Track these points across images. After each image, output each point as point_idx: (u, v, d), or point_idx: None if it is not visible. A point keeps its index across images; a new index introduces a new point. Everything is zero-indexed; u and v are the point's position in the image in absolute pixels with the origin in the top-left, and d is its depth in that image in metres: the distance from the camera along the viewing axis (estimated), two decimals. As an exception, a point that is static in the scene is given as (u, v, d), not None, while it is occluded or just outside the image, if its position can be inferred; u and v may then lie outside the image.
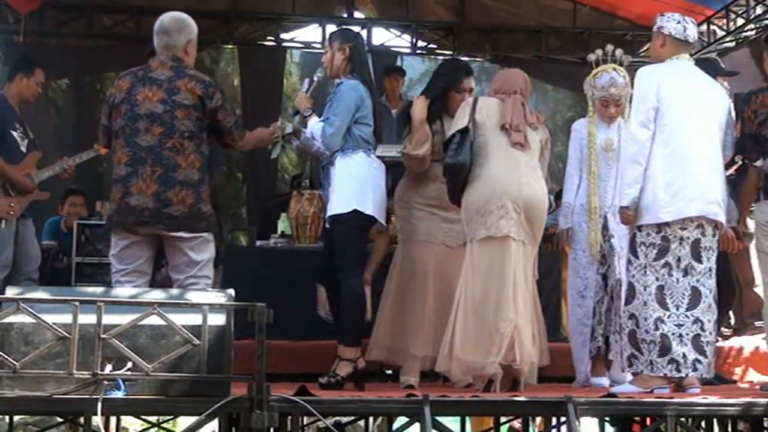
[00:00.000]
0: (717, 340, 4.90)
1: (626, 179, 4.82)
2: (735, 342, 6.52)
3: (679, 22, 4.99)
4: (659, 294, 4.71)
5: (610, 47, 5.57)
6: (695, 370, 4.66)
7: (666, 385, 4.68)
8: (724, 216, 4.81)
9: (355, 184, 4.93)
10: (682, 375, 4.66)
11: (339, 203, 4.93)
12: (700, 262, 4.74)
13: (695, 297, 4.71)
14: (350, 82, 5.01)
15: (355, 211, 4.91)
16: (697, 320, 4.69)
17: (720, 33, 9.95)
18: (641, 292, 4.75)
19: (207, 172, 4.66)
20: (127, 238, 4.59)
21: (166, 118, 4.53)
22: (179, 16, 4.79)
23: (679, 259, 4.72)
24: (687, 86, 4.86)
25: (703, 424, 5.01)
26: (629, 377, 4.93)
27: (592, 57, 5.58)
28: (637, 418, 5.50)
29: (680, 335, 4.67)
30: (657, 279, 4.72)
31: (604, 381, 5.37)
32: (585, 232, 5.44)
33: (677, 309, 4.69)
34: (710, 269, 4.76)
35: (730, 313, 6.74)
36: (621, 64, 5.52)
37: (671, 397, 4.30)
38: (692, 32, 5.01)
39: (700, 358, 4.67)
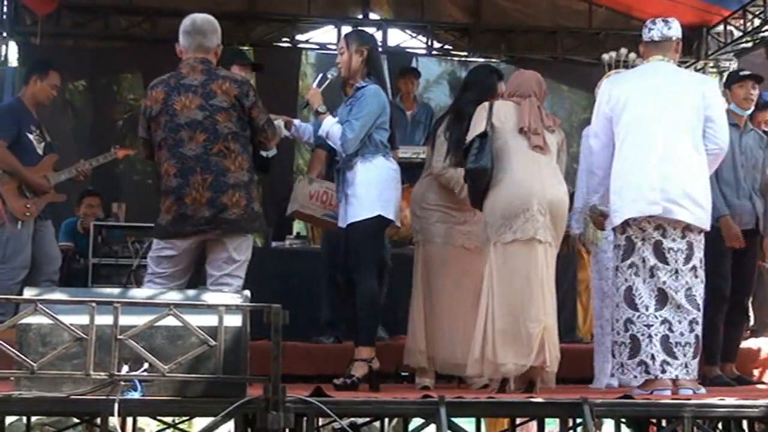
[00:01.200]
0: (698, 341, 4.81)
1: (587, 189, 5.11)
2: (753, 343, 6.50)
3: (646, 26, 4.99)
4: (628, 295, 4.72)
5: (624, 51, 5.57)
6: (663, 371, 4.62)
7: (665, 387, 4.63)
8: (693, 215, 4.70)
9: (378, 190, 4.93)
10: (651, 377, 4.63)
11: (363, 208, 4.92)
12: (666, 263, 4.69)
13: (662, 298, 4.68)
14: (372, 87, 5.00)
15: (379, 216, 4.92)
16: (665, 321, 4.66)
17: (737, 33, 9.91)
18: (614, 294, 4.81)
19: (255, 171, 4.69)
20: (172, 247, 4.60)
21: (207, 124, 4.54)
22: (211, 18, 4.78)
23: (643, 260, 4.71)
24: (650, 86, 4.83)
25: (720, 425, 4.98)
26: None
27: (606, 57, 5.59)
28: (653, 420, 5.48)
29: (649, 335, 4.64)
30: (626, 280, 4.74)
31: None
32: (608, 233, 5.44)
33: (646, 309, 4.68)
34: (677, 270, 4.70)
35: (750, 313, 6.70)
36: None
37: (688, 399, 4.28)
38: (658, 32, 4.93)
39: (668, 359, 4.63)
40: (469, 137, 4.93)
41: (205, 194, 4.50)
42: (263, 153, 5.01)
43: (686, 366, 4.66)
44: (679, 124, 4.77)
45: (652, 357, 4.62)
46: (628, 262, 4.74)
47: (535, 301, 4.70)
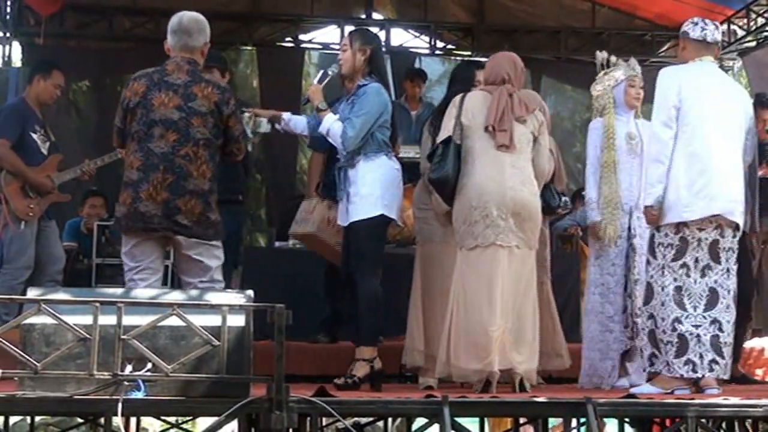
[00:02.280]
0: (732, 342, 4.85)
1: (650, 179, 4.85)
2: (756, 343, 6.49)
3: (697, 24, 5.00)
4: (677, 294, 4.70)
5: (613, 58, 5.63)
6: (711, 370, 4.65)
7: (686, 386, 4.66)
8: (742, 218, 4.80)
9: (381, 189, 4.94)
10: (699, 375, 4.64)
11: (366, 207, 4.93)
12: (719, 263, 4.73)
13: (713, 298, 4.70)
14: (374, 85, 5.00)
15: (382, 215, 4.92)
16: (714, 321, 4.68)
17: (740, 33, 9.90)
18: (659, 293, 4.75)
19: (216, 181, 4.66)
20: (137, 236, 4.62)
21: (181, 125, 4.53)
22: (198, 17, 4.77)
23: (696, 260, 4.71)
24: (709, 88, 4.85)
25: (724, 425, 4.98)
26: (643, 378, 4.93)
27: (600, 56, 5.62)
28: (657, 420, 5.48)
29: (698, 335, 4.66)
30: (675, 279, 4.72)
31: (625, 382, 5.35)
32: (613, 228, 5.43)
33: (695, 310, 4.68)
34: (728, 270, 4.76)
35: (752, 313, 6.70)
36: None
37: (692, 398, 4.28)
38: (711, 33, 4.98)
39: (717, 358, 4.66)
40: (439, 138, 4.93)
41: (162, 194, 4.50)
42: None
43: (726, 366, 4.72)
44: (732, 128, 4.85)
45: (701, 356, 4.64)
46: (680, 262, 4.72)
47: (495, 305, 4.69)
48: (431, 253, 5.25)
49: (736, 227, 4.79)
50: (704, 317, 4.68)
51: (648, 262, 4.86)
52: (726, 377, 4.77)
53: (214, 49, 5.18)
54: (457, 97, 5.01)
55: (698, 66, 4.92)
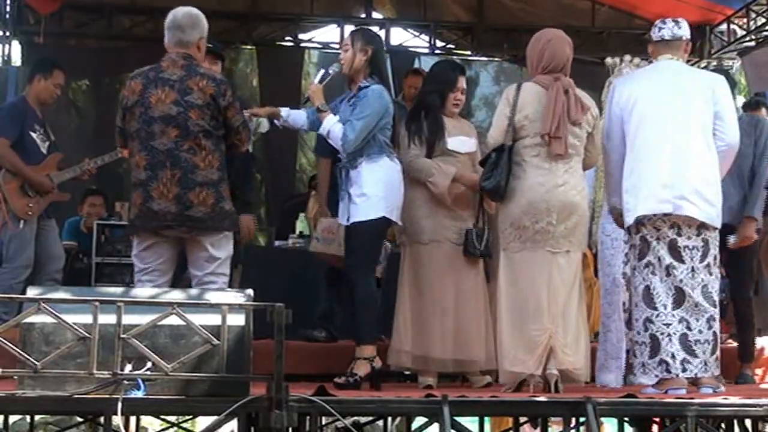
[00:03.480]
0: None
1: (607, 190, 5.06)
2: (757, 342, 6.48)
3: (656, 25, 5.00)
4: (646, 294, 4.71)
5: (627, 57, 5.60)
6: (684, 370, 4.62)
7: (681, 386, 4.64)
8: (703, 212, 4.69)
9: (384, 191, 4.92)
10: (672, 375, 4.62)
11: (369, 209, 4.91)
12: (682, 262, 4.69)
13: (679, 297, 4.67)
14: (376, 87, 4.98)
15: (383, 217, 4.92)
16: (682, 319, 4.66)
17: (740, 32, 9.91)
18: (633, 294, 4.80)
19: (227, 170, 4.65)
20: (148, 239, 4.61)
21: (180, 120, 4.52)
22: (192, 11, 4.76)
23: (659, 259, 4.70)
24: (660, 84, 4.83)
25: (723, 425, 4.98)
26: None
27: (609, 61, 5.61)
28: (656, 419, 5.48)
29: (669, 335, 4.64)
30: (644, 279, 4.74)
31: (632, 380, 5.34)
32: (608, 231, 5.43)
33: (664, 308, 4.67)
34: (693, 269, 4.69)
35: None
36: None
37: (692, 398, 4.28)
38: (669, 31, 4.94)
39: (689, 357, 4.63)
40: (491, 137, 4.85)
41: (173, 189, 4.49)
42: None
43: (705, 364, 4.66)
44: (689, 122, 4.76)
45: (672, 356, 4.62)
46: (645, 261, 4.73)
47: (541, 309, 4.67)
48: (420, 253, 5.21)
49: (702, 224, 4.70)
50: (673, 315, 4.66)
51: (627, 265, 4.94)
52: (707, 375, 4.69)
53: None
54: (511, 91, 4.87)
55: (651, 67, 4.97)
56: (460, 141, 5.25)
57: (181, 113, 4.52)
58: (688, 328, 4.65)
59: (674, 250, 4.69)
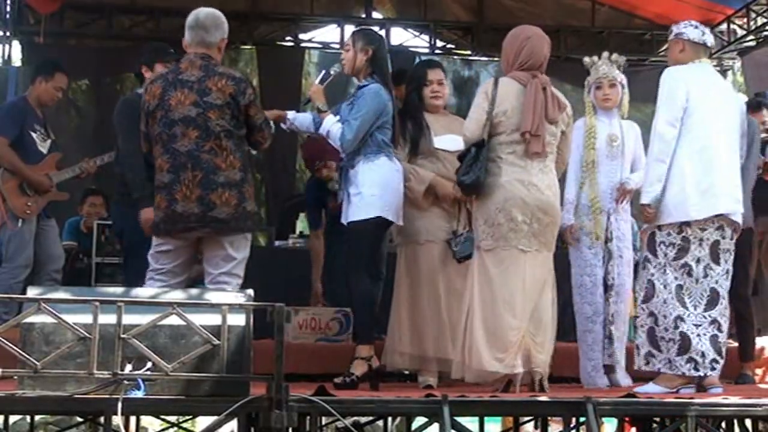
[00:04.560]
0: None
1: (650, 177, 4.82)
2: (757, 343, 6.47)
3: (696, 27, 5.01)
4: (679, 293, 4.71)
5: (605, 54, 5.62)
6: (713, 369, 4.66)
7: (690, 385, 4.66)
8: (743, 218, 4.87)
9: (379, 190, 4.92)
10: (701, 374, 4.65)
11: (363, 208, 4.91)
12: (719, 263, 4.75)
13: (713, 298, 4.72)
14: (373, 86, 4.98)
15: (379, 217, 4.91)
16: (714, 321, 4.70)
17: (740, 32, 9.91)
18: (661, 291, 4.75)
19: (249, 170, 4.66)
20: (168, 243, 4.63)
21: (200, 121, 4.53)
22: (216, 13, 4.76)
23: (698, 260, 4.72)
24: (710, 88, 4.88)
25: (724, 425, 4.98)
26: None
27: (587, 60, 5.63)
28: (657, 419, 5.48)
29: (698, 335, 4.67)
30: (676, 278, 4.73)
31: (606, 381, 5.37)
32: (588, 229, 5.42)
33: (695, 309, 4.70)
34: (728, 271, 4.79)
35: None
36: (620, 67, 5.61)
37: (692, 398, 4.28)
38: (710, 37, 5.04)
39: (718, 358, 4.68)
40: (468, 131, 4.84)
41: (195, 191, 4.50)
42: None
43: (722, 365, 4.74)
44: (731, 129, 4.89)
45: (702, 354, 4.64)
46: (682, 261, 4.73)
47: (515, 307, 4.67)
48: (416, 253, 5.23)
49: (735, 228, 4.83)
50: (704, 317, 4.69)
51: (647, 260, 4.85)
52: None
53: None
54: (489, 86, 4.85)
55: (700, 67, 4.95)
56: (449, 140, 5.28)
57: (200, 114, 4.52)
58: (719, 329, 4.71)
59: (714, 252, 4.75)
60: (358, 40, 5.07)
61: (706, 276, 4.72)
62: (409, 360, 5.18)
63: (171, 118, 4.55)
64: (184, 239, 4.61)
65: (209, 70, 4.60)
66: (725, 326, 4.74)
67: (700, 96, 4.80)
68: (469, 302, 4.78)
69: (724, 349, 4.72)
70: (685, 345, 4.65)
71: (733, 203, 4.77)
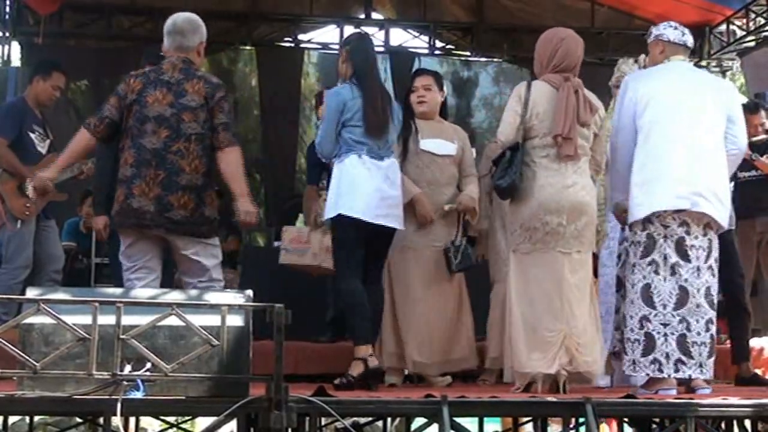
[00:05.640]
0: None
1: (611, 185, 5.01)
2: (756, 342, 6.48)
3: (676, 28, 4.99)
4: (645, 292, 4.68)
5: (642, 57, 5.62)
6: (677, 371, 4.60)
7: (672, 387, 4.63)
8: (717, 211, 4.70)
9: (339, 189, 4.86)
10: (664, 375, 4.61)
11: (328, 209, 4.93)
12: (688, 261, 4.67)
13: (682, 296, 4.64)
14: (333, 89, 5.03)
15: (339, 215, 4.83)
16: (683, 320, 4.63)
17: (740, 33, 9.91)
18: (629, 291, 4.76)
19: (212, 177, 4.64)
20: (131, 236, 4.64)
21: (172, 121, 4.55)
22: (192, 17, 4.80)
23: (665, 258, 4.67)
24: (675, 83, 4.82)
25: (723, 425, 4.98)
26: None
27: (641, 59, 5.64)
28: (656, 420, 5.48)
29: (665, 334, 4.62)
30: (644, 277, 4.70)
31: (608, 381, 5.37)
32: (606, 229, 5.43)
33: (664, 308, 4.64)
34: (698, 268, 4.67)
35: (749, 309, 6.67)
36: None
37: (691, 398, 4.28)
38: (689, 38, 4.99)
39: (684, 358, 4.60)
40: (502, 134, 4.81)
41: (154, 190, 4.51)
42: None
43: (701, 365, 4.63)
44: (701, 122, 4.76)
45: (667, 355, 4.60)
46: (648, 259, 4.69)
47: (553, 310, 4.65)
48: (408, 258, 5.27)
49: (708, 224, 4.70)
50: (673, 316, 4.63)
51: (623, 261, 4.93)
52: (703, 377, 4.70)
53: (208, 48, 5.16)
54: (522, 89, 4.79)
55: (664, 66, 4.93)
56: (436, 143, 5.41)
57: (174, 115, 4.56)
58: (688, 329, 4.63)
59: (681, 249, 4.67)
60: (341, 48, 5.15)
61: (674, 274, 4.66)
62: (397, 358, 5.28)
63: (145, 114, 4.57)
64: (140, 233, 4.60)
65: (189, 74, 4.65)
66: (698, 325, 4.63)
67: (654, 93, 4.76)
68: (510, 308, 4.77)
69: (696, 350, 4.62)
70: (649, 345, 4.62)
71: (677, 199, 4.63)
